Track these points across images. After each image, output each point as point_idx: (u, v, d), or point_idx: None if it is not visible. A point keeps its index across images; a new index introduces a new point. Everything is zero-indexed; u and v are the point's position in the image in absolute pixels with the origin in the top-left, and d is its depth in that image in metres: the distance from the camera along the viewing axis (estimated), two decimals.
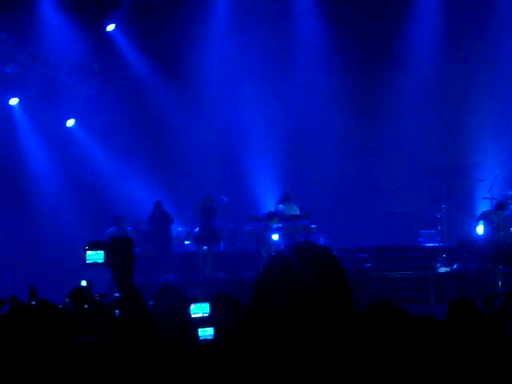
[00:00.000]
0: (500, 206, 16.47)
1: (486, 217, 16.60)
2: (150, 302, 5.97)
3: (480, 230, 16.53)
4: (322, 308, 2.22)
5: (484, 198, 18.31)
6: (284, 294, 2.24)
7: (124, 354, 3.26)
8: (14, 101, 18.93)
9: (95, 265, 3.60)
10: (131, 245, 3.56)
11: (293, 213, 18.22)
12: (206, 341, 4.35)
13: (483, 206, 17.97)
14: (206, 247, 17.62)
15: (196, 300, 7.11)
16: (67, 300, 7.77)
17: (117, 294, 3.71)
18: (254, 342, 2.26)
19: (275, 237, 17.07)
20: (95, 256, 3.60)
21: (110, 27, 20.34)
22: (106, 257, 3.54)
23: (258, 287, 2.32)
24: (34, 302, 7.35)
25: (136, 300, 3.38)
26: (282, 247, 2.48)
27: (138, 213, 18.81)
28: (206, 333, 4.46)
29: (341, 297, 2.28)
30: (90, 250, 3.59)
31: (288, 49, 20.89)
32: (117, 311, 5.71)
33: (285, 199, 18.61)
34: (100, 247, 3.58)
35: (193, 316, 5.41)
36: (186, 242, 19.94)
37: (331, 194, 19.58)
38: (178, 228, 19.86)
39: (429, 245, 18.04)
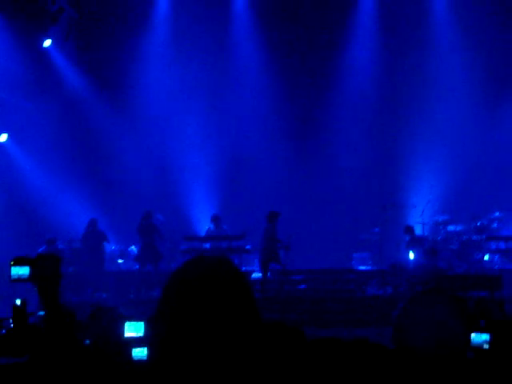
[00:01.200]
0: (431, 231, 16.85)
1: (416, 242, 16.92)
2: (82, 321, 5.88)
3: (411, 255, 16.85)
4: (224, 327, 2.19)
5: (416, 222, 18.66)
6: (184, 313, 2.20)
7: (49, 375, 3.18)
8: None
9: (20, 280, 3.56)
10: (57, 262, 3.51)
11: (223, 233, 18.28)
12: (140, 361, 4.29)
13: (415, 231, 18.29)
14: (147, 266, 17.50)
15: (130, 319, 7.03)
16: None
17: (41, 312, 3.65)
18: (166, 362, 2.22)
19: None
20: (20, 271, 3.57)
21: (47, 42, 20.13)
22: (31, 272, 3.50)
23: (162, 308, 2.25)
24: None
25: (61, 318, 3.32)
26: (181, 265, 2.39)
27: (73, 230, 18.54)
28: (141, 353, 4.40)
29: (244, 311, 2.24)
30: (15, 265, 3.56)
31: (227, 72, 21.01)
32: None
33: (215, 219, 18.63)
34: (25, 263, 3.55)
35: (127, 335, 5.33)
36: (120, 261, 19.72)
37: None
38: (111, 246, 19.63)
39: (361, 268, 18.23)
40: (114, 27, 20.08)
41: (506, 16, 19.40)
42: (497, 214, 18.53)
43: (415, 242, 17.02)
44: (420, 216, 18.36)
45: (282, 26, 20.60)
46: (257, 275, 17.06)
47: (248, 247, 17.81)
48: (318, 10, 20.21)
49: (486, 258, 18.14)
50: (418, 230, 18.36)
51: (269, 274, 16.85)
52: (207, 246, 18.36)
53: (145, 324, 7.38)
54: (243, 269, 17.56)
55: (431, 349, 2.62)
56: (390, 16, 20.41)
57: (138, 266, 17.99)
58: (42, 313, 3.55)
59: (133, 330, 7.30)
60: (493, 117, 19.62)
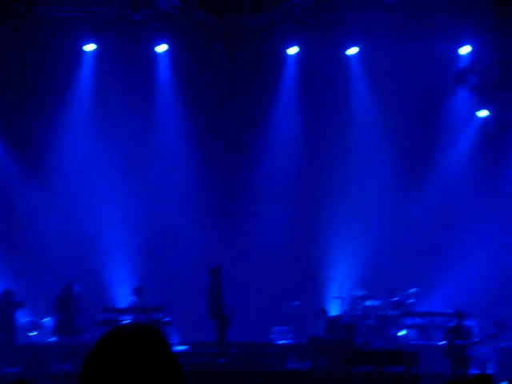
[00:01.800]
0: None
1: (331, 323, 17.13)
2: None
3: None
4: None
5: (334, 297, 18.88)
6: None
7: None
8: None
9: None
10: None
11: (145, 305, 18.03)
12: None
13: (334, 305, 18.50)
14: (66, 338, 17.04)
15: None
16: None
17: None
18: None
19: None
20: None
21: None
22: None
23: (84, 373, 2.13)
24: None
25: None
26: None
27: None
28: None
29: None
30: None
31: (150, 143, 21.07)
32: None
33: (137, 290, 18.41)
34: None
35: None
36: (32, 333, 19.08)
37: (188, 287, 19.47)
38: (24, 318, 19.02)
39: (281, 342, 18.20)
40: (35, 95, 19.93)
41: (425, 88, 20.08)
42: (412, 289, 18.91)
43: (330, 323, 17.16)
44: (338, 290, 18.59)
45: (205, 97, 20.83)
46: (178, 348, 16.83)
47: (167, 319, 17.58)
48: (242, 81, 20.56)
49: (403, 333, 18.41)
50: (336, 306, 18.59)
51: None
52: (125, 318, 18.02)
53: None
54: None
55: None
56: (311, 90, 20.92)
57: (54, 339, 17.47)
58: None
59: None
60: (410, 194, 20.19)
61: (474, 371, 16.20)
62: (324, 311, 17.68)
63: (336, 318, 17.63)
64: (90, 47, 20.40)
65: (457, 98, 20.43)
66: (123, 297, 19.24)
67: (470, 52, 19.96)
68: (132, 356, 2.08)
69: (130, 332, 2.16)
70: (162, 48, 20.57)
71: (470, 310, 17.47)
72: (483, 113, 20.39)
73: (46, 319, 18.66)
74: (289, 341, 18.03)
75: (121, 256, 20.23)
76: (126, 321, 17.74)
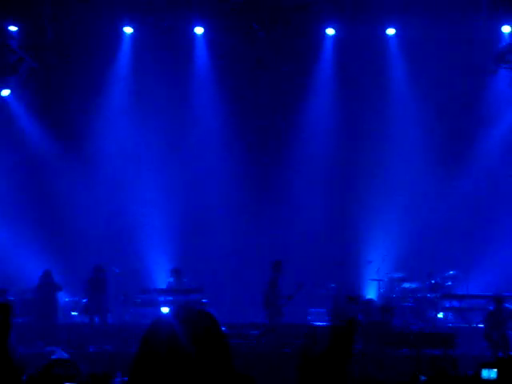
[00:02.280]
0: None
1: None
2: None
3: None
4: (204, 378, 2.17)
5: (372, 279, 18.79)
6: (165, 367, 2.17)
7: None
8: None
9: None
10: (7, 312, 3.45)
11: (183, 287, 18.17)
12: None
13: (372, 287, 18.43)
14: (95, 319, 17.28)
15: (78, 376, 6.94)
16: None
17: None
18: None
19: (165, 310, 16.85)
20: None
21: (5, 92, 20.13)
22: None
23: (139, 361, 2.22)
24: None
25: (8, 368, 3.26)
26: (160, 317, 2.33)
27: (26, 281, 18.30)
28: None
29: (221, 363, 2.23)
30: None
31: (186, 127, 21.12)
32: None
33: (175, 272, 18.56)
34: None
35: None
36: (73, 313, 19.42)
37: (225, 269, 19.61)
38: (64, 298, 19.36)
39: (318, 323, 18.19)
40: (74, 79, 20.12)
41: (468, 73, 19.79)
42: (451, 272, 18.75)
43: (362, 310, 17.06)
44: (376, 273, 18.49)
45: (242, 82, 20.81)
46: None
47: (205, 301, 17.70)
48: (278, 66, 20.46)
49: (440, 315, 18.28)
50: (374, 287, 18.53)
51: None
52: (163, 299, 18.20)
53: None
54: None
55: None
56: (348, 75, 20.76)
57: (87, 319, 17.77)
58: None
59: None
60: (449, 177, 19.96)
61: None
62: (355, 298, 17.44)
63: (370, 300, 17.54)
64: (128, 29, 20.54)
65: (498, 79, 20.08)
66: (161, 278, 19.41)
67: (510, 32, 19.62)
68: (190, 338, 2.17)
69: (189, 315, 2.25)
70: (199, 30, 20.60)
71: (510, 293, 17.29)
72: None
73: (85, 300, 18.95)
74: (325, 323, 17.99)
75: (159, 238, 20.39)
76: (165, 302, 17.94)
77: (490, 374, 8.10)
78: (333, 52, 20.92)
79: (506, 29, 19.78)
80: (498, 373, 7.99)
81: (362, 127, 20.68)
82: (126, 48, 20.82)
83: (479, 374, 8.15)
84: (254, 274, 18.48)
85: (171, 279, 18.61)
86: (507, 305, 16.24)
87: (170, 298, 17.98)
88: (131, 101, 20.92)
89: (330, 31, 20.59)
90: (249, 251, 19.83)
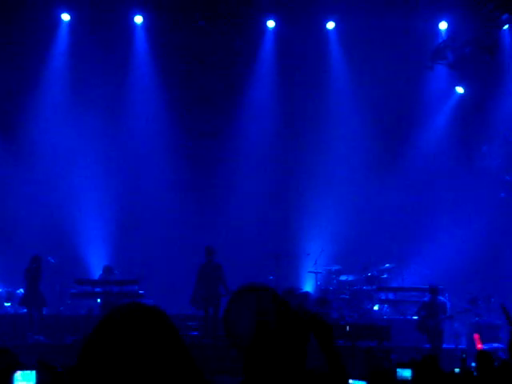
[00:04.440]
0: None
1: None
2: None
3: None
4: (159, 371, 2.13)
5: (309, 271, 18.96)
6: (115, 361, 2.12)
7: None
8: None
9: None
10: None
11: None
12: None
13: (309, 279, 18.60)
14: (34, 310, 16.99)
15: (22, 367, 6.81)
16: None
17: None
18: None
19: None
20: None
21: None
22: None
23: (87, 353, 2.14)
24: None
25: None
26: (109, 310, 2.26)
27: None
28: None
29: (177, 357, 2.18)
30: None
31: (124, 119, 20.95)
32: None
33: (106, 269, 18.39)
34: None
35: None
36: (6, 304, 19.07)
37: (161, 261, 19.50)
38: None
39: None
40: (8, 68, 19.65)
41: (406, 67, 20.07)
42: (387, 265, 19.05)
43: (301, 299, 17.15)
44: (313, 265, 18.67)
45: (180, 69, 20.68)
46: None
47: (141, 292, 17.58)
48: (218, 58, 20.40)
49: (376, 308, 18.56)
50: (311, 280, 18.71)
51: None
52: (99, 290, 18.01)
53: (36, 373, 7.15)
54: None
55: (251, 337, 3.04)
56: (289, 69, 20.85)
57: (25, 310, 17.45)
58: None
59: (24, 379, 7.07)
60: (386, 171, 20.24)
61: (447, 346, 16.44)
62: (291, 291, 17.47)
63: (306, 293, 17.67)
64: (65, 17, 20.19)
65: (435, 75, 20.42)
66: (97, 270, 19.21)
67: (447, 28, 20.00)
68: (138, 337, 2.09)
69: (133, 313, 2.17)
70: (138, 19, 20.39)
71: (444, 286, 17.66)
72: (460, 89, 20.45)
73: (19, 290, 18.62)
74: None
75: (96, 230, 20.20)
76: (100, 293, 17.76)
77: (404, 373, 8.33)
78: (273, 45, 20.97)
79: (443, 25, 20.13)
80: (413, 373, 8.20)
81: (300, 123, 20.82)
82: (62, 36, 20.46)
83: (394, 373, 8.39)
84: (191, 265, 18.39)
85: (103, 274, 18.42)
86: (440, 297, 16.58)
87: (106, 289, 17.77)
88: (68, 91, 20.57)
89: (271, 23, 20.63)
90: (185, 243, 19.75)
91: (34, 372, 6.88)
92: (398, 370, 8.62)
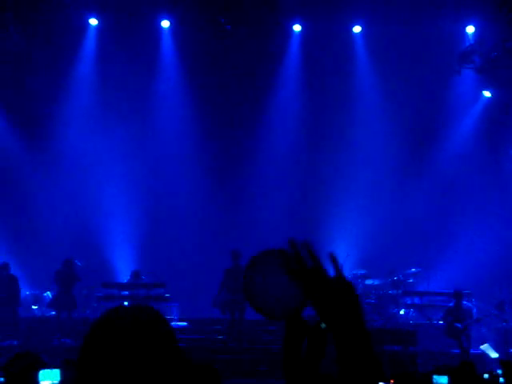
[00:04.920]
0: None
1: None
2: None
3: None
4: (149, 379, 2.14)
5: None
6: (106, 364, 2.13)
7: None
8: None
9: None
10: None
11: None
12: None
13: None
14: (63, 313, 17.09)
15: (45, 366, 6.86)
16: None
17: None
18: None
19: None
20: None
21: None
22: None
23: (82, 361, 2.14)
24: None
25: None
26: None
27: None
28: None
29: (168, 364, 2.19)
30: None
31: (152, 123, 21.04)
32: None
33: (134, 274, 18.48)
34: None
35: (41, 383, 5.20)
36: (34, 307, 19.22)
37: (188, 265, 19.52)
38: (25, 292, 19.14)
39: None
40: (38, 73, 19.80)
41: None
42: (412, 269, 18.95)
43: None
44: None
45: (207, 73, 20.72)
46: (176, 324, 16.90)
47: (167, 295, 17.65)
48: (245, 62, 20.41)
49: (402, 312, 18.46)
50: None
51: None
52: (125, 293, 18.11)
53: (61, 371, 7.21)
54: None
55: (273, 303, 2.87)
56: (314, 72, 20.83)
57: (53, 313, 17.57)
58: None
59: (48, 377, 7.13)
60: (412, 175, 20.14)
61: (474, 351, 16.31)
62: None
63: None
64: (93, 21, 20.37)
65: (462, 79, 20.31)
66: (124, 273, 19.32)
67: (474, 32, 19.88)
68: (131, 337, 2.11)
69: (129, 313, 2.19)
70: (166, 23, 20.51)
71: (471, 291, 17.52)
72: (488, 93, 20.32)
73: (46, 293, 18.77)
74: None
75: (123, 234, 20.32)
76: (127, 296, 17.86)
77: (440, 380, 8.24)
78: (299, 49, 20.98)
79: (470, 29, 20.02)
80: (450, 380, 8.12)
81: (327, 126, 20.79)
82: (91, 40, 20.63)
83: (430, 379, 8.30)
84: (218, 269, 18.40)
85: (130, 278, 18.52)
86: (464, 302, 16.47)
87: (133, 292, 17.87)
88: (95, 96, 20.72)
89: (297, 27, 20.65)
90: (212, 247, 19.77)
91: (58, 370, 6.94)
92: (435, 376, 8.54)
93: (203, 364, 4.48)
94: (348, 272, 18.82)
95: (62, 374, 7.13)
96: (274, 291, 2.93)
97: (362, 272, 18.87)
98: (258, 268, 3.01)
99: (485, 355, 16.08)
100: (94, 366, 2.09)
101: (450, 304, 16.57)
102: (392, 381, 9.32)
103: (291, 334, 2.96)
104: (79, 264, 18.65)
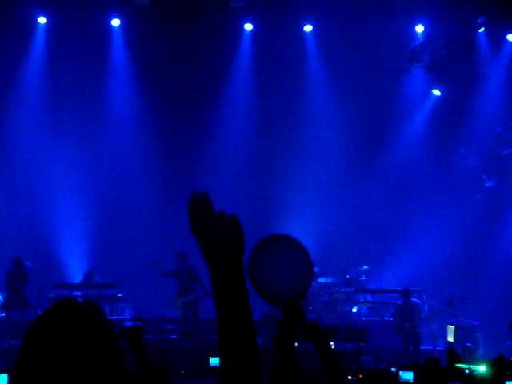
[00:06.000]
0: None
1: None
2: None
3: None
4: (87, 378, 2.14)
5: None
6: (44, 362, 2.13)
7: None
8: None
9: None
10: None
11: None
12: None
13: None
14: (14, 314, 16.84)
15: None
16: None
17: None
18: None
19: None
20: None
21: None
22: None
23: (21, 357, 2.12)
24: None
25: None
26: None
27: None
28: None
29: (108, 361, 2.20)
30: None
31: (103, 121, 20.86)
32: None
33: (87, 274, 18.34)
34: None
35: None
36: None
37: (140, 265, 19.36)
38: None
39: None
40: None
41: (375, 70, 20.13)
42: (364, 267, 19.13)
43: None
44: None
45: (159, 76, 20.60)
46: (129, 323, 16.77)
47: (120, 296, 17.54)
48: (195, 60, 20.34)
49: (355, 310, 18.61)
50: None
51: None
52: (77, 294, 17.94)
53: (8, 376, 7.14)
54: (114, 318, 17.29)
55: (278, 288, 2.89)
56: (266, 71, 20.84)
57: (3, 314, 17.31)
58: None
59: None
60: (365, 173, 20.29)
61: (425, 347, 16.54)
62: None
63: None
64: (42, 20, 20.09)
65: (412, 78, 20.52)
66: (75, 274, 19.13)
67: (423, 31, 20.12)
68: (69, 330, 2.11)
69: (68, 307, 2.18)
70: (116, 22, 20.34)
71: (421, 288, 17.75)
72: (437, 92, 20.59)
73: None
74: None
75: (74, 233, 20.10)
76: (79, 297, 17.69)
77: (406, 376, 8.34)
78: (250, 48, 20.98)
79: (419, 28, 20.24)
80: (415, 376, 8.22)
81: (279, 125, 20.81)
82: (39, 40, 20.36)
83: (396, 376, 8.39)
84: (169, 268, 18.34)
85: (83, 279, 18.36)
86: (413, 299, 16.68)
87: (85, 293, 17.73)
88: (45, 94, 20.44)
89: (248, 26, 20.66)
90: (165, 246, 19.66)
91: (5, 375, 6.87)
92: (401, 372, 8.64)
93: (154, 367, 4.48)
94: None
95: (10, 379, 7.06)
96: (277, 278, 2.96)
97: (315, 270, 18.94)
98: (263, 255, 3.02)
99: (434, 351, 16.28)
100: (31, 365, 2.08)
101: (398, 302, 16.78)
102: (360, 376, 9.43)
103: (288, 320, 2.99)
104: (29, 264, 18.40)
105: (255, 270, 3.02)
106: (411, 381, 8.37)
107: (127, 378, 2.23)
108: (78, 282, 18.62)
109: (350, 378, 9.55)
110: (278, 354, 2.88)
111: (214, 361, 8.50)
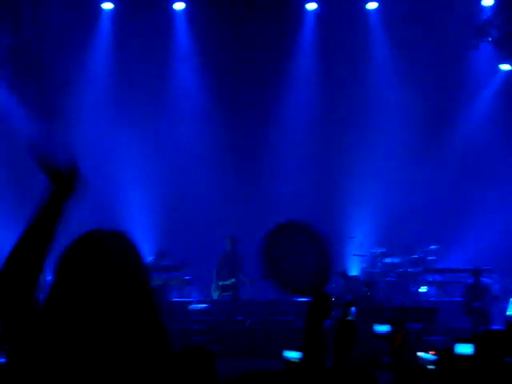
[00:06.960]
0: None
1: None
2: None
3: None
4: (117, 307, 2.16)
5: (355, 254, 18.87)
6: (76, 288, 2.16)
7: None
8: None
9: None
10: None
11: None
12: None
13: (355, 263, 18.52)
14: None
15: None
16: None
17: None
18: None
19: None
20: None
21: None
22: None
23: (55, 283, 2.24)
24: None
25: None
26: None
27: None
28: None
29: (137, 288, 2.22)
30: None
31: (168, 105, 20.98)
32: None
33: (158, 254, 18.47)
34: None
35: None
36: None
37: (210, 249, 19.44)
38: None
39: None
40: (52, 58, 19.73)
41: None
42: (432, 247, 18.85)
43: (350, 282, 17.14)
44: (358, 248, 18.58)
45: (223, 60, 20.61)
46: (196, 306, 17.00)
47: (187, 277, 17.70)
48: (259, 43, 20.25)
49: (423, 289, 18.39)
50: (356, 263, 18.64)
51: None
52: None
53: None
54: (182, 300, 17.52)
55: (294, 276, 2.84)
56: (329, 51, 20.64)
57: None
58: None
59: None
60: (432, 151, 19.98)
61: (495, 327, 16.23)
62: (344, 272, 17.56)
63: (355, 277, 17.64)
64: (107, 5, 20.29)
65: (479, 52, 20.04)
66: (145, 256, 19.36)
67: (492, 4, 19.57)
68: (101, 259, 2.30)
69: (101, 236, 2.41)
70: (179, 6, 20.43)
71: (492, 267, 17.41)
72: (506, 66, 20.05)
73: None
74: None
75: (144, 217, 20.26)
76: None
77: (465, 349, 8.07)
78: (314, 27, 20.81)
79: (486, 1, 19.73)
80: (475, 348, 7.98)
81: (344, 100, 20.58)
82: (105, 25, 20.58)
83: (452, 349, 8.15)
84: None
85: (153, 257, 18.51)
86: (483, 278, 16.37)
87: (153, 275, 17.93)
88: (111, 80, 20.65)
89: (312, 6, 20.49)
90: (231, 229, 19.72)
91: None
92: (457, 345, 8.41)
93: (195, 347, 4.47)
94: (367, 250, 18.81)
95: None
96: (297, 267, 2.92)
97: (381, 250, 18.80)
98: (280, 245, 2.99)
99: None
100: (65, 291, 2.12)
101: (468, 281, 16.50)
102: (433, 352, 9.29)
103: (316, 307, 2.95)
104: None
105: (274, 263, 2.97)
106: (471, 354, 8.12)
107: (153, 294, 2.26)
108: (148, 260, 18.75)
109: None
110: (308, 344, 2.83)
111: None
